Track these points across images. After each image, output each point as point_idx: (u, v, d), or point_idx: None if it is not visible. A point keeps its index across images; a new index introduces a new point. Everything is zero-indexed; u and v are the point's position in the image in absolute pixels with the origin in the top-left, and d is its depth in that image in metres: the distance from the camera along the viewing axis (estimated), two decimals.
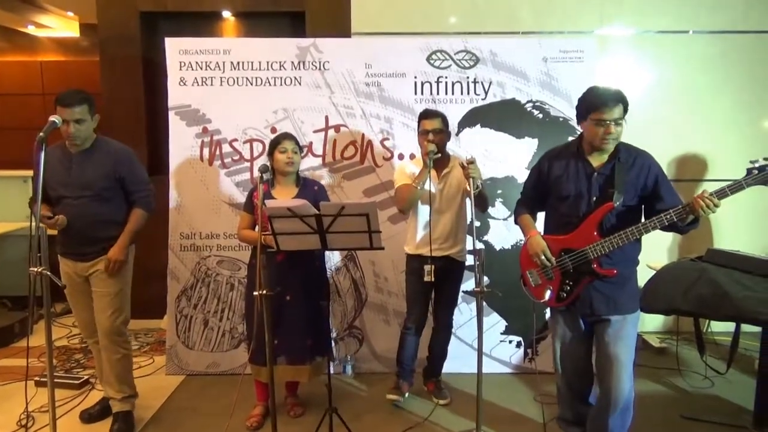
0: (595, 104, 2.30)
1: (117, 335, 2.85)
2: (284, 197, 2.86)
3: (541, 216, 2.69)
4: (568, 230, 2.43)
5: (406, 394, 3.23)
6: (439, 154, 2.96)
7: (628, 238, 2.29)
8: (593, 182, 2.38)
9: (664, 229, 2.33)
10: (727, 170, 2.29)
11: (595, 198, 2.38)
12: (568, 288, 2.44)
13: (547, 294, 2.48)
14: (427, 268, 2.99)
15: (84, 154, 2.75)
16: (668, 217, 2.22)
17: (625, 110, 2.31)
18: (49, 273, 2.16)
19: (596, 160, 2.40)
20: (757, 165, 2.14)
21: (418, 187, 2.92)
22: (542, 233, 2.55)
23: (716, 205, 2.15)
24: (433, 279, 2.99)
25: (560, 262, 2.43)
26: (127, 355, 2.93)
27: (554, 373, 2.70)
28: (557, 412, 2.77)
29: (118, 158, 2.80)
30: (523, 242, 2.63)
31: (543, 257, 2.44)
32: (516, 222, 2.71)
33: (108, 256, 2.76)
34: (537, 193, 2.61)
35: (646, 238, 2.42)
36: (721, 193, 2.16)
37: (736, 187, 2.15)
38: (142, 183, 2.88)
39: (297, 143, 2.93)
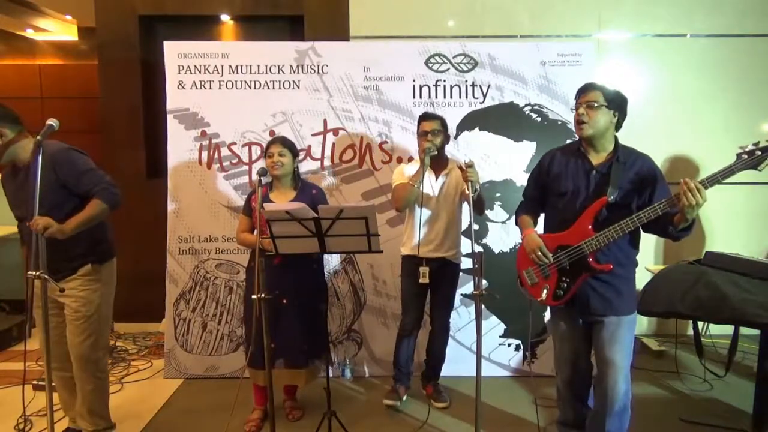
0: (577, 91, 2.41)
1: (91, 363, 2.56)
2: (282, 201, 2.85)
3: (541, 218, 2.69)
4: (564, 228, 2.43)
5: (404, 398, 3.23)
6: (436, 152, 2.96)
7: (622, 230, 2.27)
8: (591, 179, 2.39)
9: (659, 233, 2.34)
10: None
11: (590, 194, 2.38)
12: (565, 285, 2.43)
13: (544, 292, 2.48)
14: (422, 269, 2.99)
15: (28, 168, 2.40)
16: (661, 206, 2.21)
17: (610, 100, 2.34)
18: (46, 276, 2.15)
19: (596, 159, 2.41)
20: (746, 149, 2.16)
21: (415, 185, 2.92)
22: (542, 232, 2.56)
23: (699, 191, 2.08)
24: (428, 280, 3.00)
25: (556, 258, 2.43)
26: (101, 385, 2.65)
27: (555, 375, 2.70)
28: (557, 416, 2.77)
29: (54, 161, 2.40)
30: (521, 244, 2.63)
31: (539, 252, 2.45)
32: (516, 223, 2.72)
33: (44, 222, 2.24)
34: (538, 191, 2.62)
35: (645, 242, 2.43)
36: (713, 179, 2.14)
37: (726, 172, 2.15)
38: (90, 177, 2.44)
39: (287, 146, 2.88)
